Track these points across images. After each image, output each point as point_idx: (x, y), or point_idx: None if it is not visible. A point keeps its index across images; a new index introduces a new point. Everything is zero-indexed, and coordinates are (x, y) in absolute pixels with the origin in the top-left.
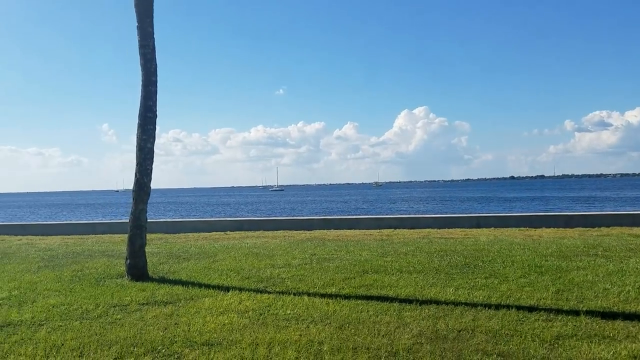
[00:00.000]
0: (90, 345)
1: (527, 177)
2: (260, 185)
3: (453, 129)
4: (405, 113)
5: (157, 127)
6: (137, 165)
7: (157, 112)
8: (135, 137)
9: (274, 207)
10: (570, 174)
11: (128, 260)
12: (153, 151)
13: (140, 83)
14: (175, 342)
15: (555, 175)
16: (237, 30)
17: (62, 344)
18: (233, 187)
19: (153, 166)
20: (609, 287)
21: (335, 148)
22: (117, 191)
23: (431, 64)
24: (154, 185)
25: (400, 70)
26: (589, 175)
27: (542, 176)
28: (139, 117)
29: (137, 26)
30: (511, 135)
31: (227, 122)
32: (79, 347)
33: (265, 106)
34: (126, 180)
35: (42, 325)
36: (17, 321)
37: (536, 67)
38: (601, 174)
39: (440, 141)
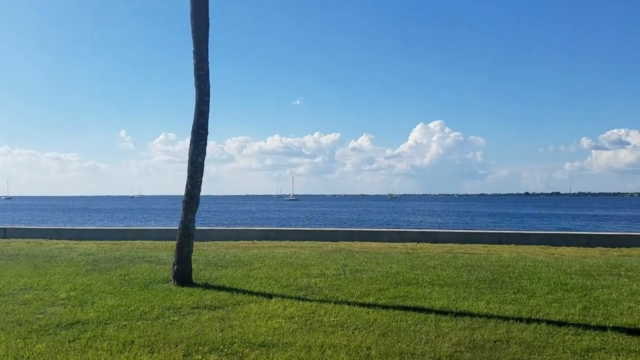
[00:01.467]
0: (157, 343)
1: (542, 193)
2: (275, 194)
3: (468, 143)
4: (421, 127)
5: (174, 135)
6: (188, 177)
7: (184, 126)
8: (188, 151)
9: (292, 217)
10: (586, 192)
11: (175, 266)
12: (203, 165)
13: (194, 101)
14: (234, 342)
15: (572, 192)
16: (256, 42)
17: (132, 342)
18: (248, 195)
19: (169, 173)
20: (634, 305)
21: (350, 159)
22: (133, 197)
23: (447, 78)
24: (169, 192)
25: (416, 84)
26: (606, 194)
27: (558, 193)
28: (192, 133)
29: (194, 50)
30: (526, 151)
31: (243, 131)
32: (149, 345)
33: (282, 116)
34: (142, 187)
35: (108, 324)
36: (85, 320)
37: (552, 83)
38: (618, 193)
39: (455, 155)
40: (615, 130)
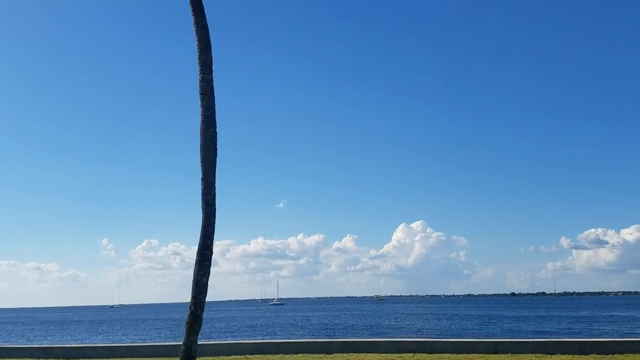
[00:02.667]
0: None
1: (528, 293)
2: (259, 298)
3: (450, 243)
4: (403, 227)
5: (157, 241)
6: (192, 298)
7: (163, 234)
8: (193, 272)
9: (279, 323)
10: (571, 292)
11: None
12: (207, 285)
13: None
14: None
15: (557, 292)
16: (238, 147)
17: None
18: (230, 300)
19: (150, 280)
20: None
21: (334, 260)
22: (112, 307)
23: (426, 179)
24: (149, 300)
25: (397, 184)
26: (591, 293)
27: (544, 293)
28: (197, 254)
29: (202, 176)
30: (508, 251)
31: (227, 235)
32: None
33: (266, 219)
34: (121, 296)
35: None
36: None
37: (528, 186)
38: (602, 292)
39: (438, 255)
40: (592, 230)
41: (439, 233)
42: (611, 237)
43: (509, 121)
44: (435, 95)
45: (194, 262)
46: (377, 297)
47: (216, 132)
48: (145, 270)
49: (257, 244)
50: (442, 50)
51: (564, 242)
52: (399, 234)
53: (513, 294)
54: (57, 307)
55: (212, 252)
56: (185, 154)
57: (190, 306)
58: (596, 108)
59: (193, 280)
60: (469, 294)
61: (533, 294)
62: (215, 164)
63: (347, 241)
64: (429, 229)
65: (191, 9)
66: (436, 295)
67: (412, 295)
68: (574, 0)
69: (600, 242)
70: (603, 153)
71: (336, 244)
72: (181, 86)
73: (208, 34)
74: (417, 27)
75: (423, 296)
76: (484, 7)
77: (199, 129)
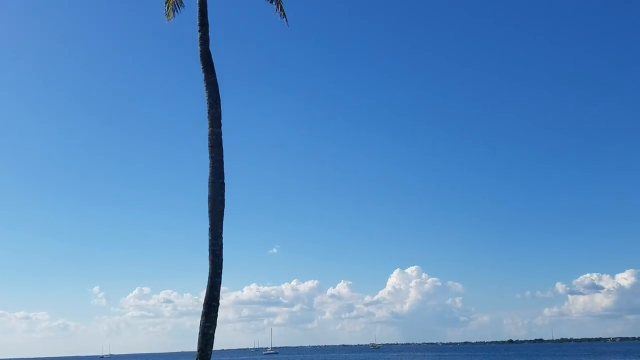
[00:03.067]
0: None
1: (525, 340)
2: (252, 347)
3: (446, 289)
4: (398, 272)
5: (149, 288)
6: (198, 351)
7: (156, 282)
8: (199, 324)
9: None
10: (568, 338)
11: None
12: (214, 337)
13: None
14: None
15: (554, 339)
16: (231, 190)
17: None
18: (223, 349)
19: (141, 329)
20: None
21: (329, 307)
22: (102, 357)
23: (421, 224)
24: (139, 350)
25: (392, 229)
26: (588, 339)
27: (541, 340)
28: (204, 305)
29: (209, 228)
30: (505, 297)
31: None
32: None
33: (259, 265)
34: (112, 345)
35: None
36: None
37: (522, 231)
38: (600, 338)
39: (434, 301)
40: (588, 275)
41: (435, 279)
42: (606, 282)
43: (504, 168)
44: (431, 141)
45: (185, 311)
46: (373, 345)
47: (224, 184)
48: (137, 318)
49: (250, 291)
50: (438, 96)
51: (560, 287)
52: (394, 279)
53: (511, 341)
54: (46, 357)
55: (218, 304)
56: (176, 202)
57: None
58: (590, 156)
59: (199, 333)
60: (467, 342)
61: (531, 340)
62: (222, 215)
63: (342, 287)
64: (424, 275)
65: (202, 66)
66: (433, 343)
67: (409, 343)
68: (568, 53)
69: (595, 287)
70: (596, 199)
71: (330, 290)
72: (167, 134)
73: (218, 90)
74: (411, 71)
75: (420, 344)
76: (478, 55)
77: (207, 180)
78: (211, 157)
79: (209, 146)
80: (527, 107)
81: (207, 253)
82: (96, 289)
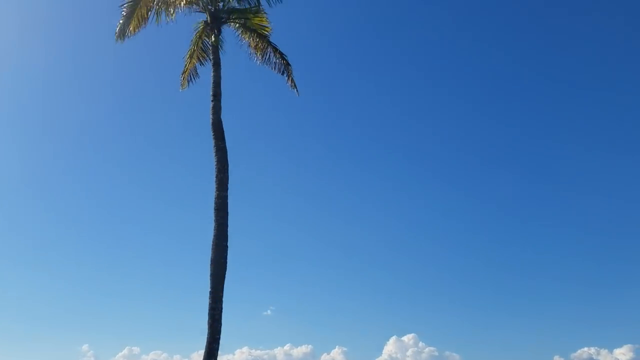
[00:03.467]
0: None
1: None
2: None
3: (444, 359)
4: (394, 340)
5: (138, 349)
6: None
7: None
8: None
9: None
10: None
11: None
12: None
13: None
14: None
15: None
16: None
17: None
18: None
19: None
20: None
21: None
22: None
23: (418, 290)
24: None
25: (388, 294)
26: None
27: None
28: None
29: (210, 291)
30: None
31: None
32: None
33: (252, 327)
34: None
35: None
36: None
37: (521, 302)
38: None
39: None
40: (586, 349)
41: (432, 348)
42: (604, 357)
43: (503, 232)
44: (427, 206)
45: None
46: None
47: (227, 247)
48: None
49: (242, 354)
50: (433, 158)
51: None
52: (390, 347)
53: None
54: None
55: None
56: (166, 260)
57: None
58: (589, 216)
59: None
60: None
61: None
62: (224, 278)
63: (336, 353)
64: (421, 343)
65: (212, 133)
66: None
67: None
68: (569, 103)
69: None
70: (595, 268)
71: (325, 357)
72: (163, 194)
73: (226, 156)
74: (402, 124)
75: None
76: (475, 111)
77: (211, 243)
78: (216, 220)
79: (215, 209)
80: (529, 163)
81: (200, 312)
82: (85, 347)
